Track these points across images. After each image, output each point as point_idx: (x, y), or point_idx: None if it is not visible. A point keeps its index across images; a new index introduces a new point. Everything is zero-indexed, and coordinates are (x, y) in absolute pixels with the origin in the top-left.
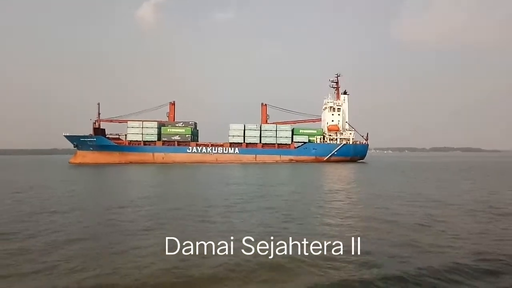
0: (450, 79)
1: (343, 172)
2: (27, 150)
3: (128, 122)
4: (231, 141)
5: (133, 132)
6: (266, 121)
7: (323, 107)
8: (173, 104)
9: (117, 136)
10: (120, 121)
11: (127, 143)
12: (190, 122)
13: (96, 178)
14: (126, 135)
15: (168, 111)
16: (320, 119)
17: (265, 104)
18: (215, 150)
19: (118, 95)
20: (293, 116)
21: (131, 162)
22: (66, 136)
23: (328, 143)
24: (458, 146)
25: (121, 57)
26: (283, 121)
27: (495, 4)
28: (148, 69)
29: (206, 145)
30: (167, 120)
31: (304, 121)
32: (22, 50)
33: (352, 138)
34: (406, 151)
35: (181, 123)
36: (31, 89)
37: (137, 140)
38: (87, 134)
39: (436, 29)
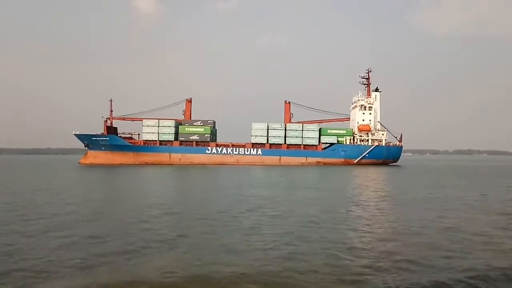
0: (473, 74)
1: (382, 177)
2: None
3: (144, 120)
4: (253, 141)
5: (149, 131)
6: (290, 120)
7: (352, 105)
8: (189, 101)
9: (130, 136)
10: (133, 119)
11: (142, 143)
12: (209, 121)
13: (114, 180)
14: (139, 134)
15: (184, 108)
16: (349, 118)
17: (289, 102)
18: (236, 151)
19: (126, 92)
20: (319, 115)
21: (146, 163)
22: (76, 135)
23: (358, 145)
24: (483, 149)
25: (122, 51)
26: (307, 120)
27: None
28: (153, 64)
29: (227, 146)
30: (183, 118)
31: (331, 120)
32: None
33: (385, 139)
34: (428, 153)
35: (199, 122)
36: (29, 86)
37: (152, 140)
38: (95, 133)
39: (457, 22)
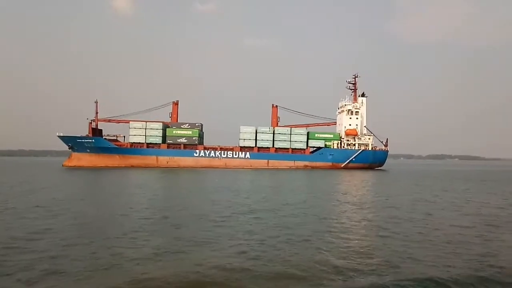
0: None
1: (371, 182)
2: (14, 151)
3: (130, 122)
4: (241, 144)
5: (136, 134)
6: (277, 123)
7: (339, 110)
8: (176, 103)
9: (115, 138)
10: (119, 121)
11: (129, 146)
12: (197, 124)
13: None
14: (124, 136)
15: (171, 111)
16: (335, 122)
17: (276, 106)
18: (224, 154)
19: (110, 94)
20: (305, 119)
21: (132, 166)
22: (60, 137)
23: (345, 149)
24: (455, 154)
25: (108, 52)
26: (294, 124)
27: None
28: (137, 64)
29: (215, 149)
30: (170, 121)
31: (318, 124)
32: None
33: (371, 144)
34: (402, 158)
35: (187, 125)
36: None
37: (140, 143)
38: (79, 135)
39: (438, 28)
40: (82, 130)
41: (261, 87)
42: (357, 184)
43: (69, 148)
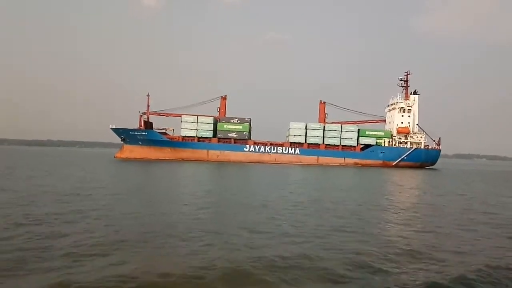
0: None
1: (431, 182)
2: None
3: (183, 116)
4: (291, 140)
5: (187, 127)
6: (324, 120)
7: (389, 108)
8: (224, 98)
9: (164, 131)
10: (169, 115)
11: (180, 139)
12: (246, 118)
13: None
14: (173, 130)
15: (219, 105)
16: (384, 120)
17: (324, 102)
18: (274, 149)
19: (155, 88)
20: (352, 115)
21: (183, 159)
22: (113, 129)
23: (397, 147)
24: (483, 153)
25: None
26: (339, 121)
27: None
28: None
29: (265, 144)
30: (218, 115)
31: (366, 121)
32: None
33: (424, 142)
34: None
35: (236, 119)
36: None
37: (191, 136)
38: (131, 127)
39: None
40: (123, 123)
41: (307, 83)
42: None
43: (122, 140)
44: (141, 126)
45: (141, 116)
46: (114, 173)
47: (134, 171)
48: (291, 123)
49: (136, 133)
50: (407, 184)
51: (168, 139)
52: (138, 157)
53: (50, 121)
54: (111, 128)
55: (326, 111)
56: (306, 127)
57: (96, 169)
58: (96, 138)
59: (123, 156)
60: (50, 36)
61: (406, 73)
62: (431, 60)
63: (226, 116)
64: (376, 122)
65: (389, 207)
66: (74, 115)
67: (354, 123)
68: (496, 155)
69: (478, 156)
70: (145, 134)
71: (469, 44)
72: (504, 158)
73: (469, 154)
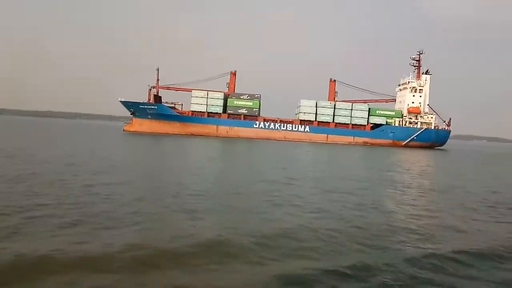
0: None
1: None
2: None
3: (193, 91)
4: (301, 118)
5: (197, 103)
6: (334, 98)
7: (400, 87)
8: (234, 74)
9: (173, 105)
10: (178, 89)
11: (190, 114)
12: (256, 95)
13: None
14: (182, 104)
15: (229, 81)
16: (394, 99)
17: (334, 80)
18: (283, 126)
19: (164, 62)
20: (362, 94)
21: (192, 134)
22: (123, 102)
23: (407, 127)
24: (483, 135)
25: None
26: (348, 99)
27: None
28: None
29: (274, 121)
30: (227, 91)
31: (376, 100)
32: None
33: (434, 123)
34: None
35: (246, 96)
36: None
37: (200, 111)
38: (140, 101)
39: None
40: (131, 97)
41: (318, 62)
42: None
43: (131, 114)
44: (150, 100)
45: (150, 90)
46: (133, 148)
47: (149, 146)
48: (301, 100)
49: (145, 106)
50: (422, 164)
51: (177, 114)
52: (147, 130)
53: (51, 92)
54: (120, 101)
55: (336, 90)
56: (316, 105)
57: (115, 144)
58: (97, 111)
59: (132, 129)
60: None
61: (418, 52)
62: (443, 40)
63: (235, 92)
64: (387, 101)
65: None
66: (76, 87)
67: (365, 101)
68: (495, 136)
69: (478, 138)
70: (155, 108)
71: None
72: (504, 140)
73: (469, 135)
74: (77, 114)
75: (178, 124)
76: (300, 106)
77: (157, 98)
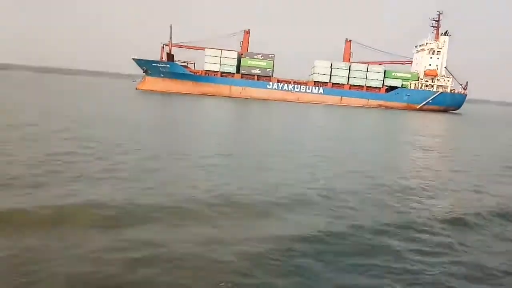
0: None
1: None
2: None
3: (206, 49)
4: (315, 79)
5: (211, 62)
6: (349, 59)
7: (418, 48)
8: (247, 32)
9: (186, 64)
10: (191, 47)
11: (203, 73)
12: (270, 55)
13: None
14: (195, 63)
15: (242, 40)
16: (410, 61)
17: (350, 41)
18: (297, 88)
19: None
20: (378, 55)
21: (205, 94)
22: (135, 60)
23: (423, 90)
24: (492, 99)
25: None
26: (362, 61)
27: None
28: None
29: (288, 82)
30: (241, 50)
31: (391, 62)
32: None
33: (451, 86)
34: None
35: (260, 55)
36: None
37: (214, 71)
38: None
39: None
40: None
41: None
42: None
43: (143, 72)
44: (162, 58)
45: (163, 47)
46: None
47: (168, 107)
48: (315, 61)
49: (158, 65)
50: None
51: (191, 73)
52: (159, 89)
53: (59, 48)
54: (133, 59)
55: (351, 50)
56: (331, 66)
57: (134, 103)
58: (103, 68)
59: (144, 88)
60: None
61: (438, 13)
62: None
63: (249, 51)
64: (403, 63)
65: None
66: (85, 43)
67: (380, 63)
68: (503, 101)
69: (496, 103)
70: (168, 67)
71: None
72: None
73: (486, 100)
74: (82, 71)
75: (191, 83)
76: (314, 67)
77: (170, 57)
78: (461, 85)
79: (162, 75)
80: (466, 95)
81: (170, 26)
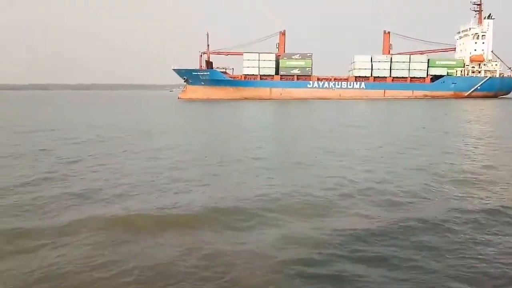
0: None
1: None
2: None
3: (244, 54)
4: (356, 74)
5: (249, 66)
6: (389, 51)
7: (461, 34)
8: (283, 34)
9: (224, 70)
10: (228, 53)
11: (242, 78)
12: (308, 54)
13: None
14: (233, 69)
15: (278, 41)
16: (453, 48)
17: (388, 32)
18: (338, 85)
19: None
20: (419, 45)
21: (245, 98)
22: (176, 70)
23: (470, 76)
24: None
25: None
26: (403, 52)
27: None
28: None
29: (328, 80)
30: (277, 52)
31: (433, 51)
32: None
33: (499, 70)
34: None
35: (298, 55)
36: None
37: (253, 74)
38: (193, 67)
39: None
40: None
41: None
42: None
43: (184, 81)
44: (201, 66)
45: (201, 56)
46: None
47: (214, 114)
48: (355, 56)
49: (198, 73)
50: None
51: (230, 78)
52: (200, 97)
53: (93, 64)
54: (173, 69)
55: (390, 42)
56: (371, 59)
57: (185, 113)
58: (138, 81)
59: (186, 97)
60: None
61: None
62: None
63: (286, 52)
64: (446, 50)
65: None
66: (119, 58)
67: (422, 53)
68: None
69: None
70: (208, 74)
71: None
72: None
73: None
74: (120, 85)
75: (231, 89)
76: (354, 62)
77: (209, 64)
78: (509, 68)
79: (203, 83)
80: None
81: (207, 34)
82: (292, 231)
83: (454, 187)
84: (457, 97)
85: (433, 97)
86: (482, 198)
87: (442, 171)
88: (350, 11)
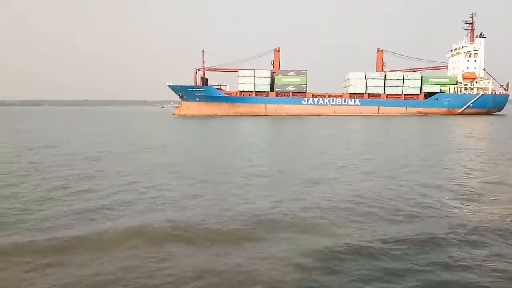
0: None
1: None
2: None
3: (240, 71)
4: (350, 91)
5: (245, 82)
6: (382, 68)
7: (453, 52)
8: (278, 51)
9: (219, 87)
10: (223, 70)
11: (238, 94)
12: (302, 71)
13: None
14: (228, 85)
15: (273, 59)
16: (446, 66)
17: (382, 50)
18: (332, 101)
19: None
20: (412, 63)
21: (241, 114)
22: (171, 86)
23: (463, 94)
24: None
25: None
26: (396, 69)
27: None
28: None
29: (323, 96)
30: (272, 68)
31: (426, 68)
32: None
33: (491, 87)
34: None
35: (293, 72)
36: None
37: (248, 91)
38: (188, 84)
39: None
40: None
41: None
42: None
43: (179, 98)
44: (196, 82)
45: (196, 72)
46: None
47: (211, 130)
48: (349, 73)
49: (194, 89)
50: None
51: (225, 95)
52: (196, 113)
53: (85, 81)
54: (168, 86)
55: (384, 60)
56: (365, 76)
57: (182, 129)
58: (129, 97)
59: (181, 113)
60: None
61: (471, 15)
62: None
63: (281, 69)
64: (438, 68)
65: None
66: (110, 75)
67: (415, 70)
68: None
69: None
70: (203, 91)
71: None
72: None
73: None
74: (112, 101)
75: (226, 105)
76: (348, 79)
77: (204, 81)
78: (501, 86)
79: (198, 99)
80: (508, 95)
81: (202, 52)
82: (301, 246)
83: (459, 203)
84: (450, 113)
85: (426, 114)
86: (486, 213)
87: (447, 186)
88: (345, 30)
